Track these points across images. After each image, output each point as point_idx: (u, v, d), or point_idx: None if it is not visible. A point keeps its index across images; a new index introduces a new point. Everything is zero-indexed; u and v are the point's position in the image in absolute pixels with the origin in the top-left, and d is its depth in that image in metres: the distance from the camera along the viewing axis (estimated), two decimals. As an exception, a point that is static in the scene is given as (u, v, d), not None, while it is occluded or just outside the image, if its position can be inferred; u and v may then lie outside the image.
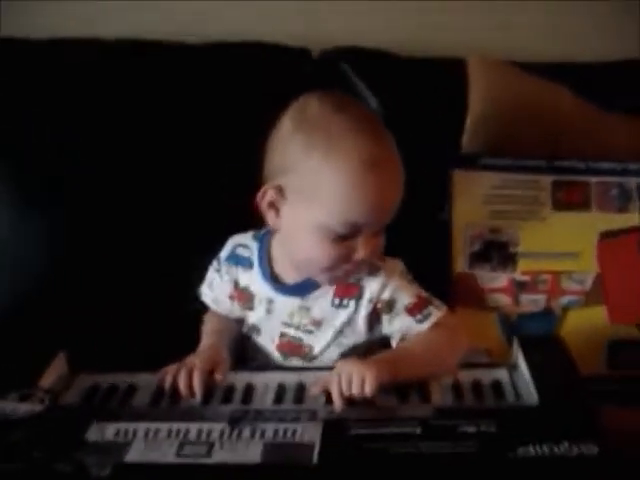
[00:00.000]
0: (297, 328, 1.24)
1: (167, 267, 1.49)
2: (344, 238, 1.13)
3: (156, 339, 1.35)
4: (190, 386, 1.12)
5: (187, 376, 1.13)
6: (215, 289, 1.33)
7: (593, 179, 1.47)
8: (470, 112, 1.50)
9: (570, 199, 1.46)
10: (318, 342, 1.24)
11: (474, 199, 1.45)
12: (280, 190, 1.15)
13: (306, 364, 1.24)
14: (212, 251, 1.34)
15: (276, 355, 1.27)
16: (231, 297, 1.31)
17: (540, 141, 1.49)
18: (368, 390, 1.04)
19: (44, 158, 1.50)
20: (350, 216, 1.11)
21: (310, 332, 1.23)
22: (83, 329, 1.44)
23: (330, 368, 1.19)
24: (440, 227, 1.47)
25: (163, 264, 1.50)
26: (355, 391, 1.05)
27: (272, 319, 1.25)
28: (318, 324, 1.23)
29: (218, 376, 1.15)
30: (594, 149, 1.49)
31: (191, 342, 1.27)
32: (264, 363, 1.28)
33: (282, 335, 1.25)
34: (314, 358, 1.24)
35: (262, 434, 0.98)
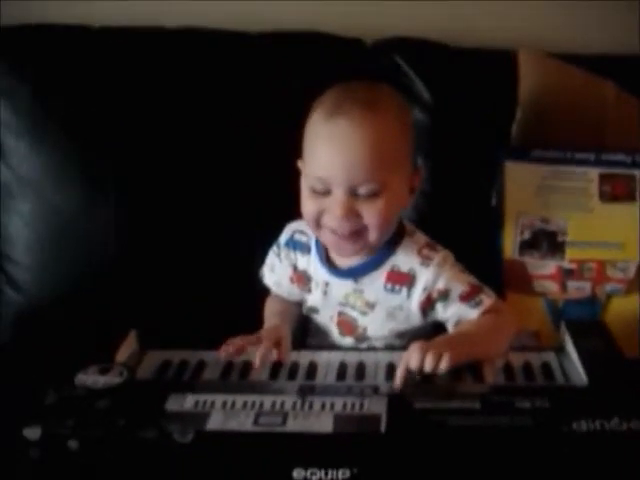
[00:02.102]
0: (353, 308, 1.29)
1: (231, 248, 1.54)
2: (322, 194, 1.19)
3: (221, 318, 1.40)
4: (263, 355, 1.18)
5: (258, 345, 1.19)
6: (276, 272, 1.39)
7: (638, 172, 1.51)
8: (520, 104, 1.54)
9: (616, 191, 1.50)
10: (371, 323, 1.29)
11: (525, 190, 1.49)
12: (302, 165, 1.24)
13: (359, 344, 1.30)
14: (273, 231, 1.39)
15: (335, 333, 1.33)
16: (291, 279, 1.37)
17: (586, 133, 1.52)
18: (444, 366, 1.09)
19: (111, 143, 1.54)
20: (318, 169, 1.18)
21: (364, 313, 1.29)
22: (151, 309, 1.51)
23: (388, 348, 1.26)
24: (490, 215, 1.52)
25: (228, 245, 1.54)
26: (429, 367, 1.09)
27: (329, 300, 1.31)
28: (371, 306, 1.28)
29: (282, 352, 1.21)
30: (638, 142, 1.53)
31: (254, 322, 1.33)
32: (323, 342, 1.34)
33: (340, 314, 1.31)
34: (367, 339, 1.30)
35: (331, 406, 1.04)
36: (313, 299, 1.34)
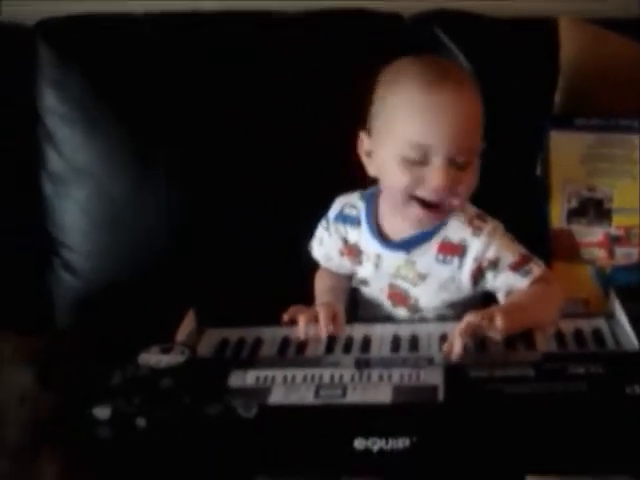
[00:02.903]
0: (404, 279, 1.31)
1: (282, 225, 1.56)
2: (418, 163, 1.20)
3: (274, 295, 1.39)
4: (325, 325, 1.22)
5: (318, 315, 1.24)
6: (326, 246, 1.41)
7: (682, 137, 1.51)
8: (562, 72, 1.54)
9: (661, 156, 1.50)
10: (423, 294, 1.31)
11: (570, 158, 1.50)
12: (370, 135, 1.26)
13: (411, 314, 1.33)
14: (321, 205, 1.41)
15: (386, 304, 1.35)
16: (341, 253, 1.38)
17: (629, 100, 1.52)
18: (499, 324, 1.12)
19: (161, 129, 1.57)
20: (415, 137, 1.19)
21: (416, 285, 1.31)
22: (207, 288, 1.54)
23: (439, 319, 1.29)
24: (535, 184, 1.52)
25: (278, 222, 1.57)
26: (485, 325, 1.12)
27: (380, 273, 1.33)
28: (423, 277, 1.30)
29: (337, 327, 1.23)
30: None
31: (306, 297, 1.36)
32: (374, 314, 1.37)
33: (391, 286, 1.33)
34: (419, 310, 1.32)
35: (389, 377, 1.07)
36: (364, 271, 1.36)
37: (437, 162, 1.19)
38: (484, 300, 1.32)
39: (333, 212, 1.39)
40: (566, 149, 1.50)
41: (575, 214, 1.50)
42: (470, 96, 1.21)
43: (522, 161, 1.54)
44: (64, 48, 1.57)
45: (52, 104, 1.57)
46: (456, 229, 1.28)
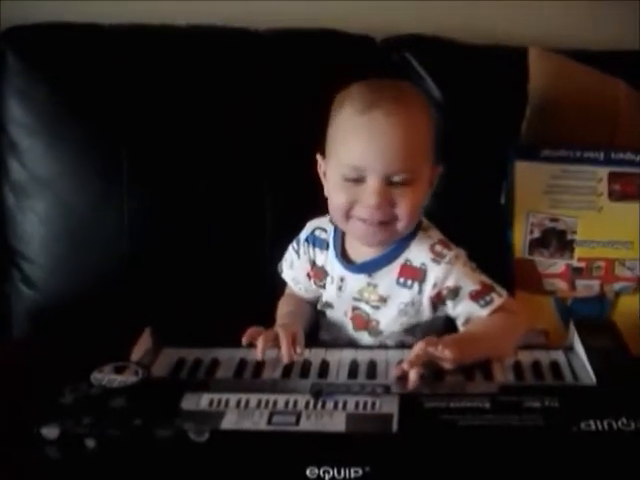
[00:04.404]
0: (366, 303, 1.32)
1: (245, 246, 1.56)
2: (356, 183, 1.22)
3: (234, 316, 1.36)
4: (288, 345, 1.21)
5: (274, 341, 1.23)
6: (294, 268, 1.41)
7: (647, 171, 1.52)
8: (530, 102, 1.54)
9: (625, 190, 1.51)
10: (384, 317, 1.31)
11: (535, 189, 1.51)
12: (323, 157, 1.28)
13: (372, 338, 1.33)
14: (286, 228, 1.42)
15: (349, 327, 1.35)
16: (308, 275, 1.39)
17: (597, 133, 1.53)
18: (447, 355, 1.12)
19: (125, 142, 1.56)
20: (351, 159, 1.21)
21: (377, 308, 1.31)
22: (165, 306, 1.53)
23: (399, 347, 1.28)
24: (499, 213, 1.53)
25: (241, 243, 1.57)
26: (436, 354, 1.13)
27: (344, 295, 1.33)
28: (384, 300, 1.30)
29: (298, 348, 1.22)
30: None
31: (267, 320, 1.34)
32: (336, 337, 1.37)
33: (354, 309, 1.33)
34: (380, 333, 1.32)
35: (344, 405, 1.06)
36: (328, 294, 1.36)
37: (371, 181, 1.21)
38: (445, 326, 1.32)
39: (304, 234, 1.40)
40: (530, 179, 1.51)
41: (538, 244, 1.51)
42: (408, 117, 1.21)
43: (486, 189, 1.54)
44: (31, 57, 1.55)
45: (16, 114, 1.56)
46: (418, 253, 1.28)
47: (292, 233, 1.41)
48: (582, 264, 1.50)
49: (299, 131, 1.56)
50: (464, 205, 1.54)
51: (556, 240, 1.50)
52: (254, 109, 1.59)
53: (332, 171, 1.26)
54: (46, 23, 1.60)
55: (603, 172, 1.52)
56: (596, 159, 1.52)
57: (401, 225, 1.25)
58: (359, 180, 1.21)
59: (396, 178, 1.21)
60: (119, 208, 1.55)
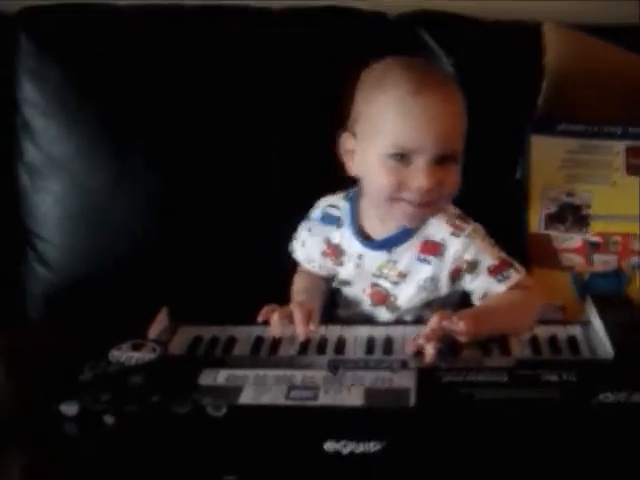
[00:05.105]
0: (386, 279, 1.31)
1: (261, 223, 1.55)
2: (402, 165, 1.21)
3: (250, 294, 1.37)
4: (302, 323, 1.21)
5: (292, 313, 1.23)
6: (307, 247, 1.41)
7: (664, 145, 1.51)
8: (545, 77, 1.53)
9: (643, 164, 1.50)
10: (403, 293, 1.31)
11: (551, 163, 1.50)
12: (353, 135, 1.27)
13: (390, 313, 1.33)
14: (301, 205, 1.42)
15: (366, 303, 1.35)
16: (323, 254, 1.38)
17: (612, 106, 1.52)
18: (462, 328, 1.13)
19: (140, 122, 1.56)
20: (400, 140, 1.20)
21: (396, 283, 1.31)
22: (181, 284, 1.53)
23: (415, 322, 1.29)
24: (514, 188, 1.52)
25: (257, 220, 1.56)
26: (451, 327, 1.13)
27: (362, 273, 1.33)
28: (403, 276, 1.30)
29: (312, 326, 1.22)
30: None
31: (283, 298, 1.34)
32: (353, 313, 1.37)
33: (373, 285, 1.33)
34: (398, 308, 1.32)
35: (361, 380, 1.06)
36: (346, 272, 1.35)
37: (421, 163, 1.20)
38: (462, 301, 1.32)
39: (316, 213, 1.39)
40: (546, 153, 1.50)
41: (553, 219, 1.50)
42: (454, 99, 1.23)
43: (503, 164, 1.54)
44: (44, 38, 1.55)
45: (30, 95, 1.55)
46: (437, 228, 1.28)
47: (304, 210, 1.41)
48: (599, 239, 1.49)
49: (312, 109, 1.55)
50: (480, 180, 1.52)
51: (572, 215, 1.50)
52: (267, 88, 1.58)
53: (371, 151, 1.23)
54: (60, 4, 1.59)
55: (620, 146, 1.50)
56: (613, 133, 1.50)
57: (443, 203, 1.26)
58: (405, 160, 1.21)
59: (444, 161, 1.21)
60: (133, 188, 1.54)
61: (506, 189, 1.53)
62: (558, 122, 1.51)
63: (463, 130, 1.24)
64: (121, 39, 1.58)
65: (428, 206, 1.24)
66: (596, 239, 1.49)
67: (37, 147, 1.56)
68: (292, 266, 1.45)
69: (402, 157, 1.20)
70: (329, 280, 1.40)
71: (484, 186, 1.51)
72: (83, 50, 1.56)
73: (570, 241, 1.50)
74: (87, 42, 1.57)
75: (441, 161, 1.20)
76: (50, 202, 1.56)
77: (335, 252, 1.36)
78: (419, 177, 1.20)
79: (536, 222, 1.50)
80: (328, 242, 1.37)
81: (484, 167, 1.53)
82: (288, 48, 1.61)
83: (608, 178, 1.50)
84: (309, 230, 1.40)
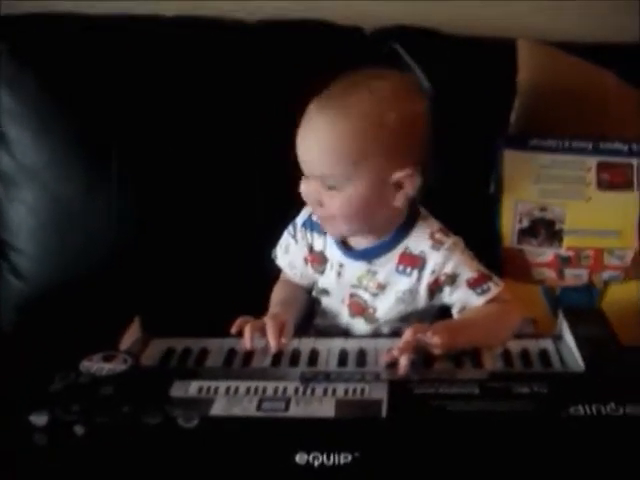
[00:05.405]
0: (365, 290, 1.32)
1: (235, 234, 1.56)
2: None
3: (224, 305, 1.37)
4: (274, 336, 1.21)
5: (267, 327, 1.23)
6: (291, 253, 1.40)
7: (635, 161, 1.53)
8: (518, 93, 1.55)
9: (613, 180, 1.51)
10: (381, 304, 1.31)
11: (524, 178, 1.51)
12: None
13: (368, 324, 1.33)
14: (277, 215, 1.42)
15: (346, 314, 1.35)
16: (306, 260, 1.38)
17: (585, 123, 1.53)
18: (436, 341, 1.13)
19: (114, 132, 1.55)
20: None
21: (375, 295, 1.31)
22: (155, 296, 1.52)
23: (391, 335, 1.29)
24: (488, 202, 1.53)
25: (231, 231, 1.56)
26: (425, 339, 1.13)
27: (342, 282, 1.33)
28: (382, 288, 1.30)
29: (283, 338, 1.22)
30: (637, 132, 1.54)
31: (258, 309, 1.33)
32: (331, 323, 1.37)
33: (352, 295, 1.33)
34: (376, 320, 1.32)
35: (333, 392, 1.06)
36: (326, 281, 1.36)
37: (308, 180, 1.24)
38: (440, 314, 1.33)
39: (301, 219, 1.39)
40: (519, 168, 1.52)
41: (526, 234, 1.51)
42: (348, 120, 1.19)
43: (475, 178, 1.54)
44: (18, 47, 1.55)
45: (5, 103, 1.55)
46: (418, 241, 1.29)
47: (284, 220, 1.41)
48: (571, 253, 1.51)
49: (288, 121, 1.55)
50: (453, 194, 1.54)
51: (545, 229, 1.51)
52: (243, 100, 1.59)
53: None
54: (36, 13, 1.59)
55: (592, 162, 1.52)
56: (585, 149, 1.52)
57: (340, 225, 1.26)
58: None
59: (326, 181, 1.22)
60: (107, 198, 1.54)
61: (479, 203, 1.53)
62: (530, 137, 1.52)
63: (363, 153, 1.19)
64: (97, 49, 1.58)
65: (327, 222, 1.27)
66: (568, 253, 1.51)
67: (11, 156, 1.55)
68: (269, 276, 1.44)
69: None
70: (309, 290, 1.40)
71: (458, 200, 1.52)
72: (59, 59, 1.56)
73: (543, 255, 1.51)
74: (63, 51, 1.57)
75: (326, 182, 1.22)
76: (23, 212, 1.55)
77: (317, 259, 1.36)
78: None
79: (509, 236, 1.51)
80: (311, 248, 1.37)
81: (457, 181, 1.54)
82: (264, 61, 1.61)
83: (581, 193, 1.51)
84: (293, 236, 1.39)
